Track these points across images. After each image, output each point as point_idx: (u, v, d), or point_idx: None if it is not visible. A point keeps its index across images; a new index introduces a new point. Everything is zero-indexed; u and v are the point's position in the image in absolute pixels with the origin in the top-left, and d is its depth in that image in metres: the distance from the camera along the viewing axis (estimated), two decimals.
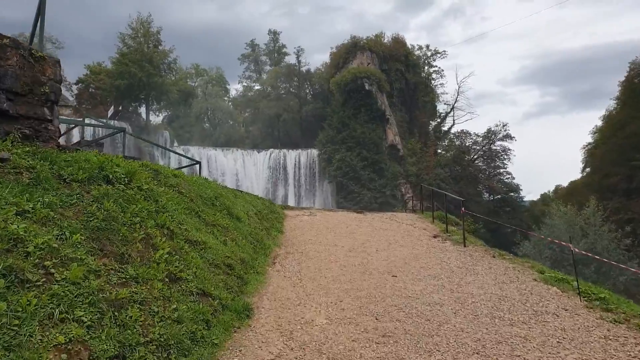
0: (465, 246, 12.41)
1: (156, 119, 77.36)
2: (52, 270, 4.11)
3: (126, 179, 6.66)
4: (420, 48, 69.25)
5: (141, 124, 60.26)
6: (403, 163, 57.78)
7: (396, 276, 9.20)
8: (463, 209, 12.86)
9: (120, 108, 57.42)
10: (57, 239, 4.56)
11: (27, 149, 5.67)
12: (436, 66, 70.25)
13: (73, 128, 17.39)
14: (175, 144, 63.10)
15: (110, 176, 6.41)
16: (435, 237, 14.14)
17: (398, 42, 64.36)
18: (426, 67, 70.30)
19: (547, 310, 7.53)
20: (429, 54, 70.01)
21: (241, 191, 15.28)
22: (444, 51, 70.59)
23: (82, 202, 5.51)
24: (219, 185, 12.38)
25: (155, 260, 5.59)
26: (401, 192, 57.03)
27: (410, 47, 66.38)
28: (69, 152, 6.43)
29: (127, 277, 4.91)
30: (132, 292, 4.72)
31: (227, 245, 8.06)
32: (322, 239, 12.77)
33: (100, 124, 18.48)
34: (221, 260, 7.23)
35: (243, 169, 59.17)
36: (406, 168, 57.80)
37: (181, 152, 39.47)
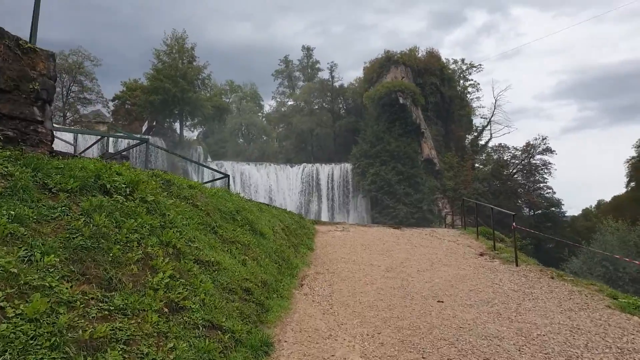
0: (517, 265, 10.96)
1: (191, 134, 78.51)
2: (3, 304, 3.17)
3: (127, 190, 5.78)
4: (456, 62, 67.63)
5: (175, 139, 60.90)
6: (440, 177, 55.88)
7: (443, 301, 7.93)
8: (514, 224, 11.40)
9: (154, 123, 58.21)
10: (21, 261, 3.64)
11: (8, 153, 4.86)
12: (472, 80, 68.33)
13: (98, 141, 16.96)
14: (209, 159, 63.45)
15: (108, 186, 5.54)
16: (481, 255, 12.72)
17: (432, 56, 62.99)
18: (461, 81, 68.50)
19: (635, 347, 6.10)
20: (464, 67, 68.26)
21: (268, 205, 14.34)
22: (480, 65, 68.86)
23: (67, 215, 4.62)
24: (243, 198, 11.47)
25: (153, 285, 4.62)
26: (438, 207, 55.06)
27: (445, 61, 64.94)
28: (63, 158, 5.60)
29: (112, 308, 3.94)
30: (116, 328, 3.74)
31: (246, 265, 7.05)
32: (356, 257, 11.60)
33: (122, 134, 18.02)
34: (238, 284, 6.21)
35: (276, 184, 58.68)
36: (443, 182, 55.87)
37: (212, 167, 39.22)
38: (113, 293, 4.14)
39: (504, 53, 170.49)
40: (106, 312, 3.85)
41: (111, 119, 65.41)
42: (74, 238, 4.35)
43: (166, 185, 7.32)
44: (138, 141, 15.28)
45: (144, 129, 59.11)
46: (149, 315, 4.18)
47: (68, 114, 61.17)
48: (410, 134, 53.29)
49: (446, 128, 61.25)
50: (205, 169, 53.07)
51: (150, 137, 54.65)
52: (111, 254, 4.55)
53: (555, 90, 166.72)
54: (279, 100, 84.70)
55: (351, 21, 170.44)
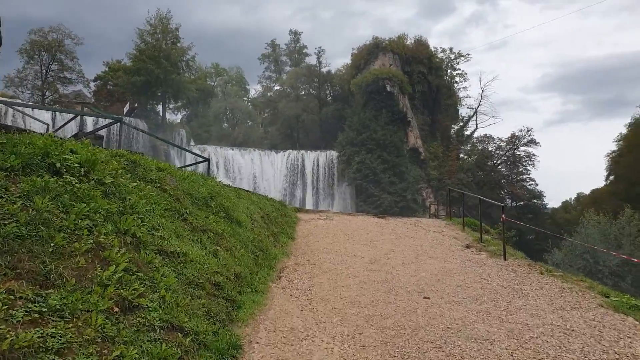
0: (505, 259, 10.53)
1: (174, 117, 76.97)
2: None
3: (82, 170, 5.09)
4: (444, 51, 67.11)
5: (158, 121, 59.46)
6: (424, 167, 55.76)
7: (429, 298, 7.44)
8: (503, 216, 10.95)
9: (136, 105, 56.61)
10: None
11: None
12: (459, 69, 67.91)
13: (71, 120, 16.04)
14: (192, 142, 62.17)
15: (58, 165, 4.85)
16: (468, 247, 12.30)
17: (421, 44, 62.38)
18: (449, 70, 68.08)
19: (634, 352, 5.69)
20: (452, 57, 67.79)
21: (247, 191, 13.68)
22: (468, 54, 67.82)
23: (0, 198, 3.94)
24: (219, 183, 10.78)
25: (102, 281, 3.98)
26: (422, 197, 55.01)
27: (433, 49, 64.37)
28: (8, 132, 4.89)
29: (45, 310, 3.30)
30: (47, 334, 3.11)
31: (218, 256, 6.44)
32: (339, 247, 11.06)
33: (95, 113, 17.03)
34: (206, 278, 5.60)
35: (260, 170, 57.87)
36: (428, 172, 55.80)
37: (193, 151, 38.27)
38: (49, 291, 3.50)
39: (491, 44, 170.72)
40: (36, 315, 3.21)
41: (92, 100, 63.56)
42: (5, 224, 3.69)
43: (131, 167, 6.63)
44: (111, 120, 14.41)
45: (125, 110, 57.52)
46: (93, 317, 3.55)
47: (47, 94, 59.15)
48: (397, 123, 52.88)
49: (432, 117, 61.01)
50: (188, 152, 52.01)
51: (131, 118, 53.23)
52: (52, 244, 3.90)
53: (540, 82, 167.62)
54: (265, 84, 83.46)
55: (341, 7, 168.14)
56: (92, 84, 62.20)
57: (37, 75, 58.47)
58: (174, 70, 54.66)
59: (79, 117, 17.31)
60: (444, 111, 63.16)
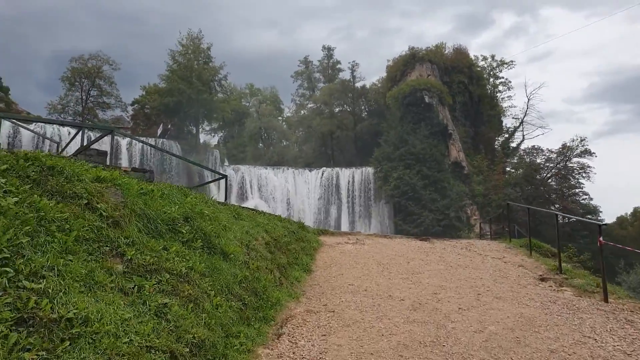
0: (606, 301, 7.53)
1: (212, 139, 76.78)
2: None
3: None
4: (485, 59, 63.30)
5: (192, 143, 58.73)
6: (468, 182, 51.95)
7: None
8: (601, 238, 7.90)
9: (169, 127, 56.08)
10: None
11: None
12: (502, 77, 63.78)
13: (75, 136, 14.26)
14: (226, 163, 61.09)
15: None
16: (543, 280, 9.36)
17: (460, 52, 59.21)
18: (491, 79, 64.12)
19: None
20: (494, 64, 63.77)
21: (254, 210, 11.24)
22: (512, 61, 63.50)
23: None
24: (210, 200, 8.37)
25: None
26: (467, 214, 51.15)
27: (473, 58, 60.89)
28: None
29: None
30: None
31: (164, 317, 3.98)
32: (370, 283, 8.39)
33: (89, 125, 15.29)
34: None
35: (294, 189, 55.67)
36: (472, 187, 51.93)
37: (220, 170, 36.51)
38: None
39: (534, 55, 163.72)
40: None
41: (131, 124, 63.92)
42: None
43: (39, 174, 4.34)
44: (105, 130, 12.48)
45: (159, 132, 57.10)
46: None
47: (87, 119, 59.99)
48: (437, 136, 49.64)
49: (475, 129, 57.29)
50: (221, 170, 50.64)
51: (165, 140, 52.57)
52: None
53: (587, 92, 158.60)
54: (298, 102, 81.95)
55: (376, 25, 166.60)
56: (129, 108, 62.77)
57: (77, 101, 59.45)
58: (206, 90, 53.83)
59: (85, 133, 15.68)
60: (487, 122, 59.25)
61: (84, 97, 59.24)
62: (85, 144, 16.01)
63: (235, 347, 4.60)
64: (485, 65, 62.73)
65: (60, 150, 18.29)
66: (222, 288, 5.36)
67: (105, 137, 12.67)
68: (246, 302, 5.59)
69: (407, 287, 8.14)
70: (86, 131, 16.71)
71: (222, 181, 16.23)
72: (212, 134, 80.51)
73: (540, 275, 9.67)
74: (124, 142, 45.90)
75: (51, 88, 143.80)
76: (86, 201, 4.51)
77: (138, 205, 5.19)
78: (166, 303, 4.18)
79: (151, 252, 4.73)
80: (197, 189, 14.92)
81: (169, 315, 4.09)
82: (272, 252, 7.95)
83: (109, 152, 11.17)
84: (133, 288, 4.08)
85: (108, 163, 14.63)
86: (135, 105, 63.52)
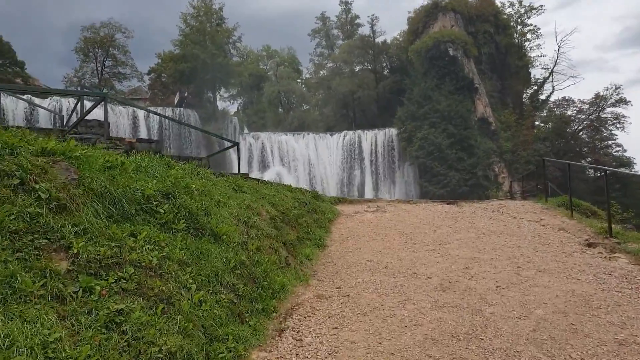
0: None
1: (231, 106, 75.70)
2: None
3: None
4: (512, 5, 59.17)
5: (210, 111, 57.79)
6: (496, 139, 49.74)
7: None
8: None
9: (186, 94, 55.05)
10: None
11: None
12: (531, 25, 59.63)
13: (76, 105, 13.41)
14: (245, 130, 60.18)
15: None
16: (590, 245, 8.15)
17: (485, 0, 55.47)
18: (519, 27, 60.08)
19: None
20: (522, 11, 59.58)
21: (258, 180, 10.21)
22: (541, 6, 59.46)
23: None
24: (203, 171, 7.33)
25: None
26: (494, 172, 49.25)
27: (499, 4, 57.07)
28: None
29: None
30: None
31: (121, 328, 3.06)
32: (391, 259, 7.36)
33: (78, 91, 14.39)
34: None
35: (316, 154, 54.43)
36: (499, 144, 49.73)
37: (219, 135, 35.46)
38: None
39: (563, 0, 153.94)
40: None
41: (149, 94, 63.24)
42: None
43: None
44: (97, 96, 11.56)
45: (176, 100, 56.24)
46: None
47: (104, 91, 59.55)
48: (462, 91, 47.34)
49: (502, 82, 54.40)
50: (240, 138, 49.80)
51: (182, 108, 51.74)
52: None
53: (620, 38, 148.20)
54: (317, 62, 79.37)
55: None
56: (146, 78, 61.86)
57: (93, 73, 58.96)
58: (220, 53, 52.25)
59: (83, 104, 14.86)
60: (515, 75, 56.15)
61: (99, 68, 58.65)
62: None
63: (220, 355, 3.68)
64: (512, 12, 58.82)
65: (65, 123, 17.58)
66: (209, 279, 4.41)
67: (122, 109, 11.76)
68: (240, 293, 4.64)
69: (434, 262, 7.09)
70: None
71: (236, 150, 15.34)
72: (231, 101, 79.44)
73: (587, 240, 8.46)
74: (141, 113, 45.15)
75: (68, 61, 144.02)
76: (19, 180, 3.55)
77: (98, 182, 4.22)
78: (121, 309, 3.24)
79: (110, 241, 3.77)
80: (208, 159, 14.05)
81: (126, 324, 3.16)
82: (279, 228, 6.97)
83: (105, 121, 10.21)
84: (76, 293, 3.15)
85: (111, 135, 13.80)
86: (152, 74, 62.27)
